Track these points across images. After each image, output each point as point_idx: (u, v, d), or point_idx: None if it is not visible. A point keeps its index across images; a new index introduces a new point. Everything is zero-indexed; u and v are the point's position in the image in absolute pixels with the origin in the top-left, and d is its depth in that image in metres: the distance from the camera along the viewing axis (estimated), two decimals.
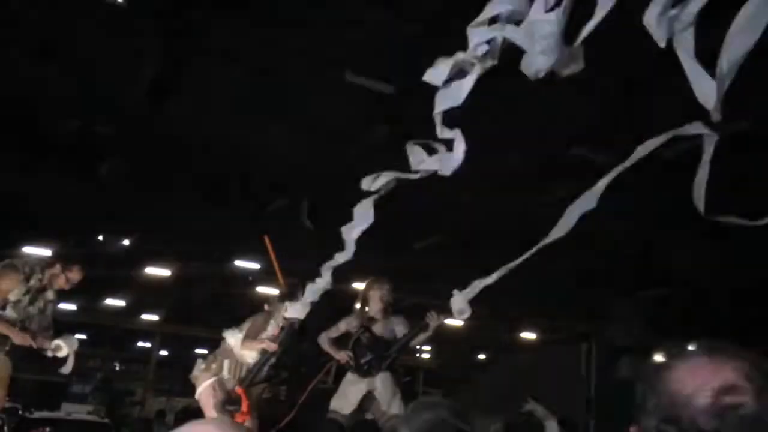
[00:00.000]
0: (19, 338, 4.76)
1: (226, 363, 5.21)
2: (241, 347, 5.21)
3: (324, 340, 5.62)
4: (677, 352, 1.23)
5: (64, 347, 4.96)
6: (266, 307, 5.50)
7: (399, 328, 5.42)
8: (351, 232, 1.83)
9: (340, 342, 5.65)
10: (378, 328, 5.44)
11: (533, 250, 1.61)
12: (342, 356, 5.42)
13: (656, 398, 1.03)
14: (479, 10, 1.48)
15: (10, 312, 4.79)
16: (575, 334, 17.48)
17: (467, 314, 1.75)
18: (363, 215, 1.80)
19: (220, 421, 4.10)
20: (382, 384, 5.25)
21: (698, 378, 0.98)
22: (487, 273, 1.75)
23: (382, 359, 5.28)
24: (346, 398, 5.28)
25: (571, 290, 13.16)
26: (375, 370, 5.26)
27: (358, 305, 5.65)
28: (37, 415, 11.78)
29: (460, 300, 1.77)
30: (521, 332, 19.73)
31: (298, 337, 4.94)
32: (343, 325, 5.63)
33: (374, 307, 5.51)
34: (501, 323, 17.71)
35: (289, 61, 6.69)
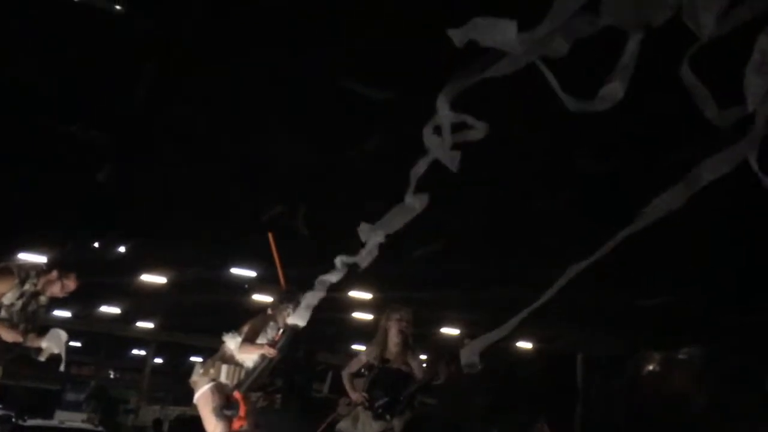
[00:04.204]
0: (9, 335, 4.76)
1: (224, 368, 5.15)
2: (240, 351, 5.15)
3: (345, 376, 5.63)
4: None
5: (51, 346, 4.94)
6: (269, 311, 5.43)
7: (414, 364, 5.40)
8: (374, 235, 1.75)
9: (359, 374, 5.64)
10: (395, 364, 5.42)
11: (547, 295, 1.54)
12: (358, 397, 5.41)
13: None
14: None
15: (3, 314, 4.80)
16: (572, 343, 17.45)
17: (478, 368, 1.69)
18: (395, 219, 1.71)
19: None
20: (399, 424, 5.21)
21: None
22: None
23: (396, 404, 5.25)
24: (356, 428, 5.27)
25: (567, 299, 13.11)
26: (389, 415, 5.23)
27: (376, 337, 5.61)
28: (30, 422, 11.69)
29: (470, 353, 1.71)
30: (517, 341, 19.68)
31: (294, 345, 4.89)
32: (363, 357, 5.62)
33: (393, 340, 5.47)
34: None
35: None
